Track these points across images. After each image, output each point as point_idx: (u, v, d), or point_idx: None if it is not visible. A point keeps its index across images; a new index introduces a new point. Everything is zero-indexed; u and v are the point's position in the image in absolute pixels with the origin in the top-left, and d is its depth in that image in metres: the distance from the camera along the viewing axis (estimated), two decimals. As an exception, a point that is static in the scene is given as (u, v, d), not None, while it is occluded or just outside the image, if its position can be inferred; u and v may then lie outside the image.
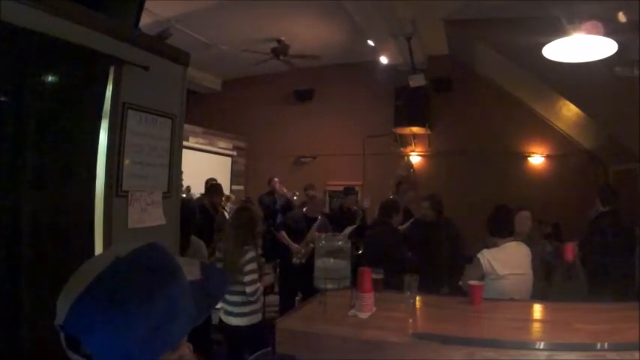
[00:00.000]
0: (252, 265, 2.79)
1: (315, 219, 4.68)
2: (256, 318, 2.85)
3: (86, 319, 0.57)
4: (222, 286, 0.81)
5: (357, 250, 3.87)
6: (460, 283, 2.57)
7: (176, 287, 0.64)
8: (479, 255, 2.55)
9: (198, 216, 3.66)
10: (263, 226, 4.60)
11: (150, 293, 0.60)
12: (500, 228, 2.65)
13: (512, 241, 2.63)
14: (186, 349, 0.67)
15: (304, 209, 4.88)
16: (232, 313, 2.81)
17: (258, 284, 2.82)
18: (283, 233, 4.60)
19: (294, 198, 6.21)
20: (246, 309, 2.80)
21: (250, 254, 2.80)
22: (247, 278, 2.76)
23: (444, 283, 3.20)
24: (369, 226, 4.12)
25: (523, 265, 2.59)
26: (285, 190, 6.39)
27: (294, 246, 4.52)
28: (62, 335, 0.59)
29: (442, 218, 3.82)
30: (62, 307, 0.59)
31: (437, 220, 3.77)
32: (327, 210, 5.83)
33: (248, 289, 2.76)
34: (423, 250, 3.59)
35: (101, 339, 0.57)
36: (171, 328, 0.62)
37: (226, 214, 5.33)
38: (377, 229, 3.66)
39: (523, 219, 3.11)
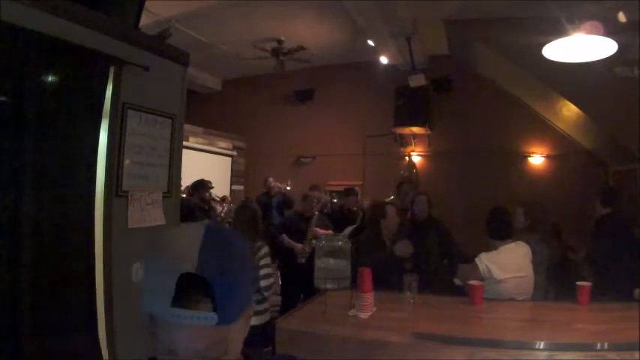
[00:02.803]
0: (267, 260, 2.83)
1: (311, 217, 4.69)
2: (265, 317, 2.84)
3: (215, 263, 0.64)
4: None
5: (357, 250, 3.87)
6: (455, 280, 2.55)
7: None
8: (476, 259, 2.48)
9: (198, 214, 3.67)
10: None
11: (247, 249, 0.75)
12: (497, 230, 2.60)
13: (512, 242, 2.57)
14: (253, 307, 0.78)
15: (299, 209, 4.88)
16: None
17: (273, 279, 2.83)
18: (284, 236, 4.60)
19: (287, 188, 6.25)
20: (257, 307, 2.79)
21: (264, 250, 2.83)
22: (263, 272, 2.76)
23: (440, 281, 3.16)
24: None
25: (523, 267, 2.53)
26: (278, 185, 6.45)
27: (298, 246, 4.54)
28: (191, 286, 0.63)
29: (430, 216, 3.77)
30: (186, 255, 0.64)
31: (428, 218, 3.72)
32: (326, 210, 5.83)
33: (263, 283, 2.75)
34: (416, 249, 3.56)
35: (228, 282, 0.65)
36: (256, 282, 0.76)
37: (219, 208, 5.38)
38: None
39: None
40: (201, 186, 5.16)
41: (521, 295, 2.48)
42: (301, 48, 6.57)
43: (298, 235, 4.58)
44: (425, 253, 3.51)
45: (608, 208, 3.42)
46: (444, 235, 3.69)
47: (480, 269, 2.43)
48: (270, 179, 6.69)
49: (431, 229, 3.65)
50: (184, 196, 4.65)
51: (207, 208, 4.98)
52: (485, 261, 2.45)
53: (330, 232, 4.67)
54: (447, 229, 3.76)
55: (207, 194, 5.23)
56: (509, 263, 2.48)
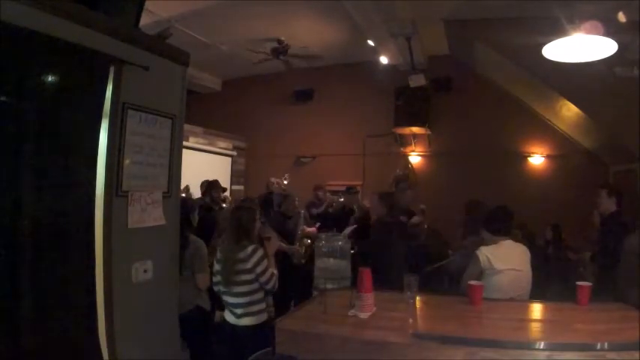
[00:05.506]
0: (266, 262, 2.79)
1: (291, 217, 4.68)
2: (264, 317, 2.83)
3: None
4: None
5: (352, 249, 3.85)
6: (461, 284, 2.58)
7: None
8: (477, 252, 2.59)
9: (200, 214, 3.68)
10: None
11: None
12: (499, 227, 2.69)
13: (509, 240, 2.68)
14: None
15: (281, 208, 4.81)
16: (239, 314, 2.77)
17: (271, 269, 2.79)
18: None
19: (285, 182, 6.24)
20: (254, 308, 2.77)
21: (260, 252, 2.77)
22: (265, 277, 2.74)
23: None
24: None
25: (521, 263, 2.62)
26: (277, 182, 6.43)
27: (293, 248, 4.51)
28: None
29: (395, 219, 3.62)
30: None
31: (389, 221, 3.57)
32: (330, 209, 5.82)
33: (269, 286, 2.75)
34: (379, 251, 3.36)
35: None
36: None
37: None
38: None
39: None
40: (214, 186, 5.22)
41: (519, 291, 2.53)
42: (314, 56, 6.58)
43: (285, 234, 4.46)
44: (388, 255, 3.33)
45: (616, 206, 3.43)
46: (407, 237, 3.62)
47: (480, 260, 2.54)
48: (272, 180, 6.63)
49: (390, 232, 3.49)
50: (183, 195, 4.66)
51: (217, 208, 5.00)
52: (486, 252, 2.57)
53: (314, 229, 4.66)
54: (413, 233, 3.74)
55: (222, 195, 5.28)
56: (508, 256, 2.59)
